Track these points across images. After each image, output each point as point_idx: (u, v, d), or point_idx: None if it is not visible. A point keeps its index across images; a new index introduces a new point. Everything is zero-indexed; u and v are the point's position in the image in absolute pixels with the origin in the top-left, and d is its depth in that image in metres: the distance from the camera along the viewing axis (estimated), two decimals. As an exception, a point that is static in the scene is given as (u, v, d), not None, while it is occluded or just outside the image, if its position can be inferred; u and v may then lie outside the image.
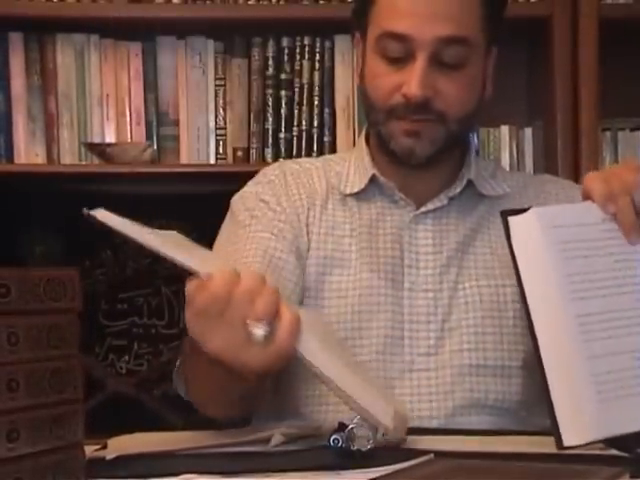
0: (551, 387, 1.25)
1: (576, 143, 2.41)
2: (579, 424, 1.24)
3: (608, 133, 2.50)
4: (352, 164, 1.71)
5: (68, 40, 2.53)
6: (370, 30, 1.62)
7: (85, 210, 1.27)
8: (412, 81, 1.55)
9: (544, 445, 1.31)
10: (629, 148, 2.50)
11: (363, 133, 1.78)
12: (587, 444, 1.24)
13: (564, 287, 1.30)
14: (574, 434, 1.24)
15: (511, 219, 1.34)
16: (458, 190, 1.66)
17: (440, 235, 1.64)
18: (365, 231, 1.65)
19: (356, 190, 1.67)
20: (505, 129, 2.53)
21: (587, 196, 1.37)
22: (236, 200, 1.72)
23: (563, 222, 1.34)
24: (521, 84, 2.67)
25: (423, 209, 1.65)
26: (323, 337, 1.31)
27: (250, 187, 1.73)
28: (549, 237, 1.32)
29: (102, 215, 1.27)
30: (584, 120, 2.40)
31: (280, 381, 1.62)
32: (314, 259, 1.64)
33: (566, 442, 1.23)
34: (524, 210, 1.33)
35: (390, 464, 1.15)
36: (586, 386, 1.25)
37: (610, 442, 1.30)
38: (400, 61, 1.57)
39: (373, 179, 1.67)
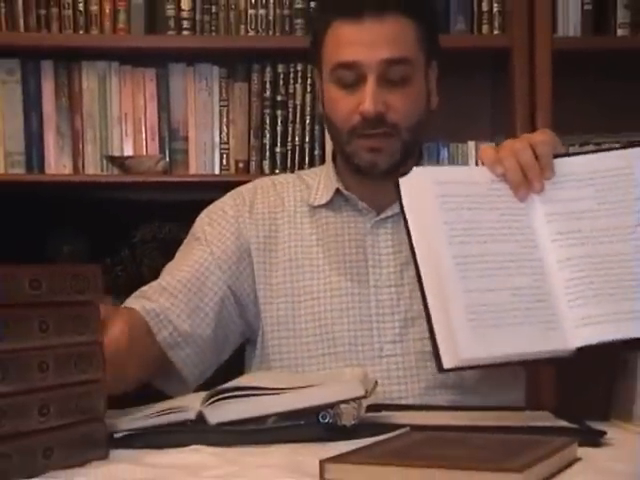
0: (433, 318, 1.26)
1: (533, 157, 2.40)
2: (454, 349, 1.24)
3: (561, 148, 2.50)
4: (322, 179, 1.72)
5: (92, 67, 2.52)
6: (324, 64, 1.63)
7: None
8: (366, 100, 1.56)
9: (504, 419, 1.31)
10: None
11: (330, 153, 1.78)
12: (462, 367, 1.26)
13: (444, 232, 1.31)
14: (450, 358, 1.24)
15: (401, 180, 1.35)
16: None
17: (399, 237, 1.62)
18: (332, 240, 1.66)
19: (323, 202, 1.68)
20: (472, 144, 2.52)
21: (480, 163, 1.39)
22: (202, 215, 1.74)
23: (448, 179, 1.36)
24: (486, 105, 2.67)
25: (383, 215, 1.65)
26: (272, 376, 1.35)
27: (219, 201, 1.74)
28: (433, 190, 1.34)
29: None
30: (540, 137, 2.39)
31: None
32: (287, 269, 1.65)
33: (445, 365, 1.24)
34: None
35: (371, 436, 1.15)
36: (460, 315, 1.25)
37: (561, 414, 1.31)
38: (353, 85, 1.58)
39: (338, 192, 1.67)
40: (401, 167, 1.60)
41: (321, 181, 1.71)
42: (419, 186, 1.35)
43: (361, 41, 1.57)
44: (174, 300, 1.60)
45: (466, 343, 1.24)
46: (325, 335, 1.60)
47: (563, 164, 1.37)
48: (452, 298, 1.26)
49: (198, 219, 1.73)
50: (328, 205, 1.68)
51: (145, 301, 1.60)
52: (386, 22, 1.57)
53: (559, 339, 1.28)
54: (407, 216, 1.32)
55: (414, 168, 1.37)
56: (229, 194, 1.75)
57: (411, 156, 1.65)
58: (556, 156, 1.37)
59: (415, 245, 1.30)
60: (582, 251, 1.32)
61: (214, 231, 1.68)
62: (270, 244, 1.67)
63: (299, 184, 1.74)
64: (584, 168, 1.37)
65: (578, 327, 1.28)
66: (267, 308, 1.64)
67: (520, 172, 1.35)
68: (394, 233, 1.65)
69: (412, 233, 1.31)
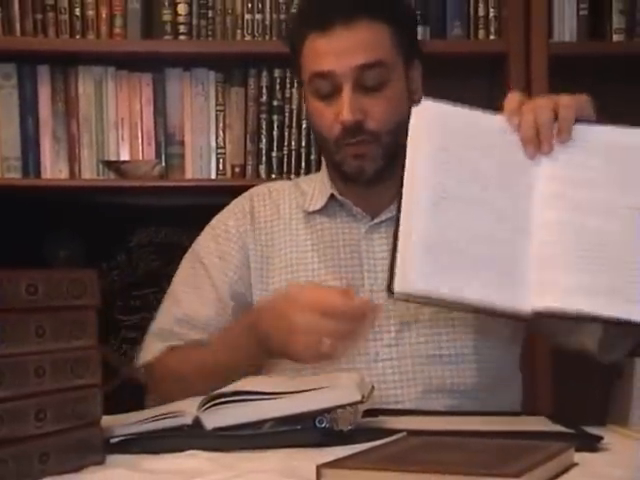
0: (399, 243, 1.24)
1: (529, 162, 2.41)
2: (408, 276, 1.21)
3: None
4: (317, 185, 1.72)
5: (88, 72, 2.52)
6: (303, 76, 1.64)
7: None
8: (343, 108, 1.57)
9: (501, 424, 1.31)
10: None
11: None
12: (411, 297, 1.24)
13: (435, 159, 1.28)
14: (401, 283, 1.21)
15: (414, 109, 1.32)
16: None
17: None
18: (327, 245, 1.66)
19: (318, 208, 1.69)
20: (468, 149, 2.52)
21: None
22: (206, 232, 1.75)
23: (460, 118, 1.32)
24: (482, 108, 2.67)
25: (377, 220, 1.66)
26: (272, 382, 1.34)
27: (221, 214, 1.76)
28: (441, 124, 1.31)
29: None
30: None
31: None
32: (283, 275, 1.66)
33: (395, 288, 1.21)
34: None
35: (368, 441, 1.15)
36: (421, 246, 1.23)
37: (557, 419, 1.31)
38: (331, 96, 1.59)
39: (333, 197, 1.68)
40: (390, 170, 1.59)
41: (316, 187, 1.72)
42: (429, 118, 1.32)
43: (333, 50, 1.57)
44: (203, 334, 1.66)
45: (420, 274, 1.21)
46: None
47: (584, 131, 1.31)
48: (418, 227, 1.24)
49: (203, 238, 1.74)
50: (323, 211, 1.69)
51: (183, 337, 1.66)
52: (356, 29, 1.57)
53: (517, 297, 1.22)
54: (408, 143, 1.30)
55: (423, 100, 1.34)
56: (228, 208, 1.76)
57: (397, 157, 1.63)
58: (579, 121, 1.32)
59: (405, 172, 1.28)
60: (569, 217, 1.26)
61: (220, 250, 1.69)
62: (267, 251, 1.68)
63: (295, 191, 1.75)
64: (603, 138, 1.31)
65: (542, 290, 1.22)
66: None
67: (534, 129, 1.30)
68: (388, 237, 1.63)
69: (406, 160, 1.29)
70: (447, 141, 1.30)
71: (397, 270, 1.21)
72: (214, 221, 1.75)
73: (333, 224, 1.68)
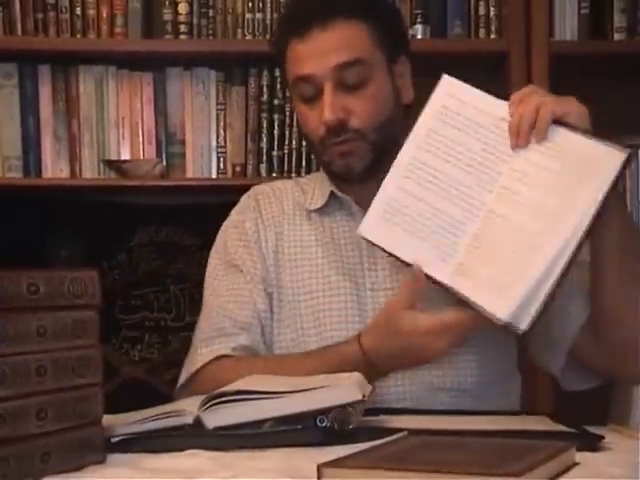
0: (376, 196, 1.47)
1: (530, 161, 2.41)
2: (364, 222, 1.48)
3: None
4: (316, 184, 1.73)
5: (89, 71, 2.52)
6: (289, 81, 1.66)
7: None
8: (324, 109, 1.58)
9: (501, 423, 1.31)
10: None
11: None
12: (363, 238, 1.49)
13: (422, 136, 1.46)
14: (360, 227, 1.49)
15: (441, 79, 1.48)
16: None
17: None
18: (329, 241, 1.67)
19: (319, 206, 1.70)
20: (468, 148, 2.52)
21: None
22: (222, 232, 1.75)
23: (465, 98, 1.46)
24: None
25: None
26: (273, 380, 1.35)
27: (233, 217, 1.75)
28: (443, 100, 1.46)
29: None
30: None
31: None
32: (288, 269, 1.67)
33: (357, 230, 1.50)
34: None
35: (369, 441, 1.15)
36: (382, 203, 1.47)
37: (558, 419, 1.31)
38: (314, 98, 1.61)
39: (332, 195, 1.69)
40: (383, 166, 1.57)
41: (316, 186, 1.73)
42: (445, 93, 1.46)
43: (311, 53, 1.59)
44: (254, 335, 1.65)
45: (371, 224, 1.47)
46: (324, 334, 1.60)
47: (559, 134, 1.38)
48: (386, 187, 1.47)
49: (227, 238, 1.73)
50: (323, 209, 1.70)
51: (231, 341, 1.63)
52: (332, 29, 1.59)
53: (442, 271, 1.39)
54: (424, 108, 1.48)
55: (444, 75, 1.47)
56: (237, 209, 1.76)
57: (387, 152, 1.60)
58: (563, 124, 1.38)
59: (408, 140, 1.47)
60: (503, 210, 1.37)
61: (248, 255, 1.69)
62: (276, 247, 1.69)
63: (296, 189, 1.76)
64: (571, 145, 1.37)
65: (460, 272, 1.37)
66: (276, 310, 1.66)
67: (518, 121, 1.39)
68: None
69: (414, 129, 1.47)
70: (448, 117, 1.45)
71: (365, 216, 1.48)
72: (230, 224, 1.74)
73: (334, 223, 1.69)
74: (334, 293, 1.63)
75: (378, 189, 1.51)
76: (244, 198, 1.77)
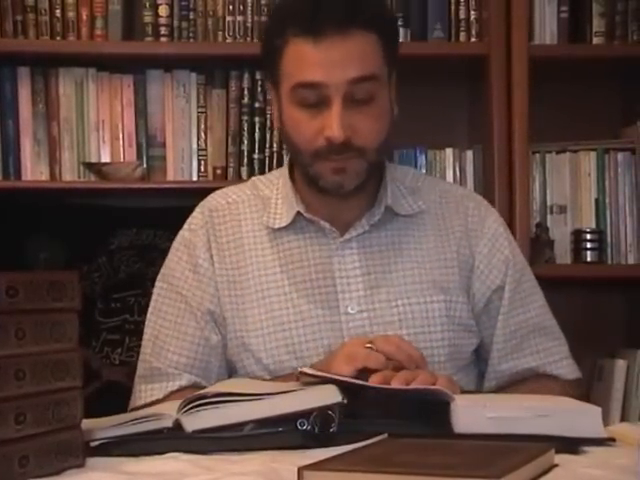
0: None
1: (510, 164, 2.42)
2: None
3: (537, 155, 2.50)
4: (280, 196, 1.64)
5: (69, 73, 2.51)
6: (283, 81, 1.56)
7: None
8: (333, 125, 1.49)
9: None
10: (555, 168, 2.51)
11: (286, 165, 1.70)
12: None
13: None
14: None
15: None
16: (377, 218, 1.60)
17: (366, 257, 1.60)
18: (297, 265, 1.60)
19: (283, 225, 1.61)
20: (449, 151, 2.53)
21: None
22: (174, 250, 1.67)
23: None
24: (463, 112, 2.68)
25: (347, 236, 1.60)
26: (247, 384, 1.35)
27: (185, 234, 1.66)
28: None
29: None
30: (517, 144, 2.41)
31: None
32: (255, 301, 1.59)
33: None
34: None
35: (350, 443, 1.15)
36: None
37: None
38: (316, 106, 1.52)
39: (299, 213, 1.61)
40: (365, 185, 1.57)
41: (279, 198, 1.64)
42: None
43: (325, 60, 1.49)
44: (198, 372, 1.60)
45: None
46: (301, 363, 1.53)
47: None
48: None
49: (178, 259, 1.65)
50: (289, 227, 1.61)
51: (170, 385, 1.59)
52: (350, 39, 1.49)
53: None
54: None
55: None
56: (190, 224, 1.67)
57: (375, 170, 1.61)
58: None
59: None
60: None
61: (196, 283, 1.61)
62: (235, 275, 1.61)
63: (254, 201, 1.66)
64: None
65: None
66: (239, 342, 1.60)
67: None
68: (360, 253, 1.60)
69: None
70: None
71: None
72: (182, 241, 1.66)
73: (301, 241, 1.61)
74: (307, 324, 1.57)
75: (353, 207, 1.47)
76: (197, 213, 1.68)
